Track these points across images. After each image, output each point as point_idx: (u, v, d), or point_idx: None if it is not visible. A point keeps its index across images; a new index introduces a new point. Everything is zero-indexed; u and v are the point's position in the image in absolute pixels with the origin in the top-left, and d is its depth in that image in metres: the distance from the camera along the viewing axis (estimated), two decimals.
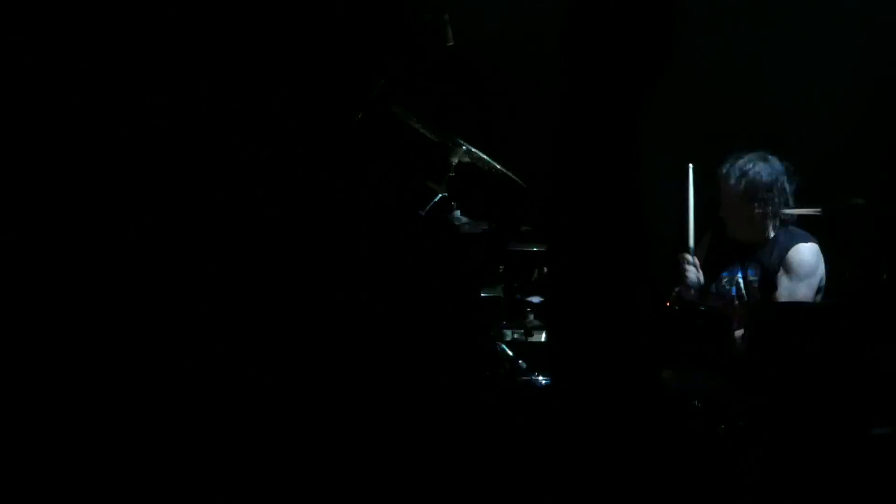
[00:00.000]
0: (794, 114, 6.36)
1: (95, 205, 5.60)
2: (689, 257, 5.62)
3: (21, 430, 5.04)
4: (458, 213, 5.45)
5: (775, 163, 5.66)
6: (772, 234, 5.70)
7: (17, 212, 5.49)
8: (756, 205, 5.62)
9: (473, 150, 5.41)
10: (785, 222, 5.69)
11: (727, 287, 5.70)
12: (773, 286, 5.59)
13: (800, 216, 5.63)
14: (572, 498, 3.77)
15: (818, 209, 5.50)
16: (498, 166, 5.45)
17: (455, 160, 5.42)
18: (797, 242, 5.64)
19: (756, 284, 5.59)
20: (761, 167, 5.64)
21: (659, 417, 3.94)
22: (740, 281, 5.69)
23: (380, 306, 5.44)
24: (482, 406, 5.05)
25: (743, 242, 5.73)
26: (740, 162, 5.64)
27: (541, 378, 5.21)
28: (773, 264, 5.63)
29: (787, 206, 5.62)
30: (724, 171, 5.64)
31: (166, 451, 5.00)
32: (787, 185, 5.65)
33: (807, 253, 5.63)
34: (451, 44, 5.32)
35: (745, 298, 5.64)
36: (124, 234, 5.61)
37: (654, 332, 5.11)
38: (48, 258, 5.48)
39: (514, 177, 5.46)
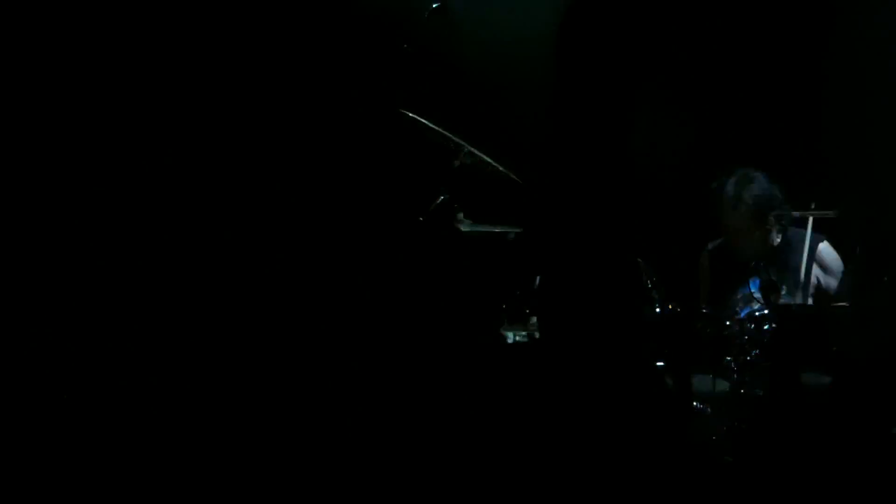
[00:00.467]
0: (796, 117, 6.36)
1: (95, 205, 5.61)
2: None
3: (21, 429, 5.05)
4: (461, 215, 5.45)
5: (761, 176, 5.70)
6: (778, 240, 5.72)
7: (17, 212, 5.51)
8: (771, 219, 5.64)
9: (475, 151, 5.40)
10: (784, 225, 5.72)
11: (741, 306, 5.67)
12: (800, 284, 5.61)
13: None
14: (570, 497, 3.77)
15: (831, 212, 5.52)
16: (500, 168, 5.45)
17: (457, 163, 5.41)
18: (820, 240, 5.68)
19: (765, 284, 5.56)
20: (759, 184, 5.66)
21: (657, 418, 3.94)
22: (754, 293, 5.65)
23: (383, 309, 5.45)
24: (484, 405, 5.06)
25: (749, 258, 5.72)
26: (739, 186, 5.66)
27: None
28: (797, 262, 5.65)
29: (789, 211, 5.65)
30: (732, 196, 5.64)
31: (166, 450, 5.00)
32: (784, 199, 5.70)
33: (832, 250, 5.68)
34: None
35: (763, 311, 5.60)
36: (125, 235, 5.62)
37: (654, 333, 5.12)
38: (48, 258, 5.49)
39: (515, 177, 5.45)
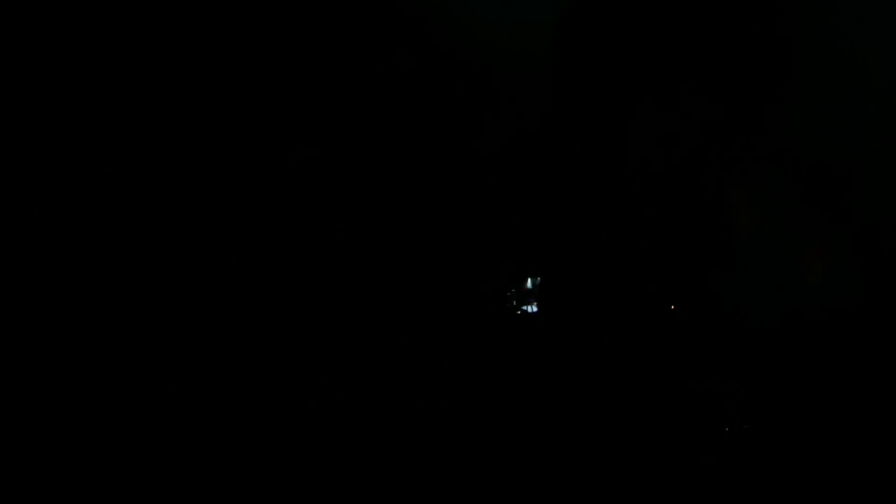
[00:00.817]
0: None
1: (95, 205, 5.62)
2: None
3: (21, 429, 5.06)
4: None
5: (778, 170, 5.72)
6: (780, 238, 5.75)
7: (17, 212, 5.52)
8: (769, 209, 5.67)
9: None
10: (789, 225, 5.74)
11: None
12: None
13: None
14: (568, 496, 3.77)
15: None
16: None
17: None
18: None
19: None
20: (771, 173, 5.69)
21: (658, 419, 3.93)
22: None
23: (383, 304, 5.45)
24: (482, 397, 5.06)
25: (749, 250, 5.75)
26: (749, 170, 5.69)
27: None
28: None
29: None
30: (733, 178, 5.67)
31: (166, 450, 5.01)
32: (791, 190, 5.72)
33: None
34: None
35: None
36: (124, 234, 5.62)
37: (654, 334, 5.12)
38: (47, 258, 5.50)
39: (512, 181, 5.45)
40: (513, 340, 5.34)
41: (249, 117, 5.87)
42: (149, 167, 5.77)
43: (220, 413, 5.18)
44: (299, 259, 5.71)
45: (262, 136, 5.92)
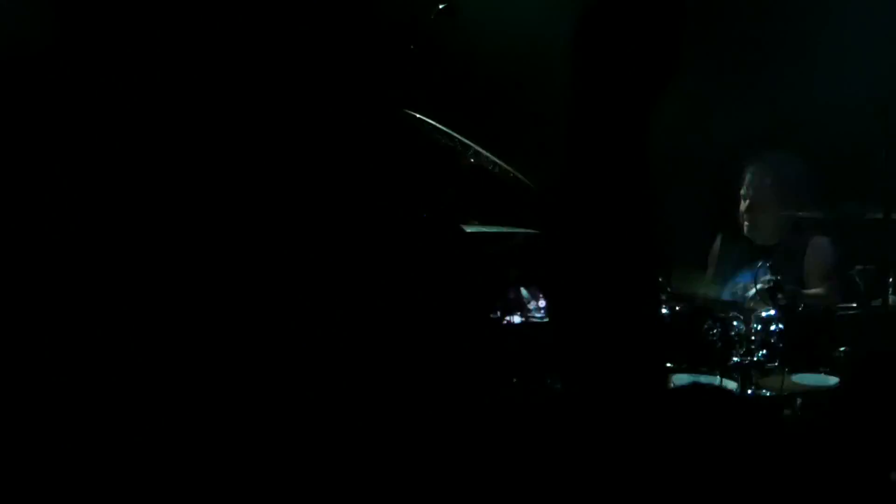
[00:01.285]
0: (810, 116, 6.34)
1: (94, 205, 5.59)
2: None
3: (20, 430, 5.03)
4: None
5: (799, 163, 5.68)
6: (786, 235, 5.73)
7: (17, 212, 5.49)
8: (784, 205, 5.65)
9: (482, 151, 5.38)
10: (797, 224, 5.73)
11: (741, 293, 5.68)
12: (796, 283, 5.61)
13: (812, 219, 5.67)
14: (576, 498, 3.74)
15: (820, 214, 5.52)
16: (508, 169, 5.42)
17: (464, 163, 5.38)
18: (814, 237, 5.69)
19: (769, 285, 5.58)
20: (792, 167, 5.66)
21: (665, 419, 3.91)
22: (755, 286, 5.66)
23: (384, 311, 5.42)
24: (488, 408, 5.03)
25: (757, 244, 5.74)
26: (770, 161, 5.66)
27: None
28: (795, 263, 5.66)
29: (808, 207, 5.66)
30: (754, 170, 5.65)
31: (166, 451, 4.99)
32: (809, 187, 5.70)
33: (829, 245, 5.68)
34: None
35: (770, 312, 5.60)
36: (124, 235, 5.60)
37: (663, 334, 5.10)
38: (47, 258, 5.47)
39: (522, 178, 5.42)
40: (498, 348, 5.33)
41: (254, 121, 5.86)
42: (149, 168, 5.74)
43: (218, 412, 5.15)
44: (296, 260, 5.70)
45: (265, 136, 5.90)
